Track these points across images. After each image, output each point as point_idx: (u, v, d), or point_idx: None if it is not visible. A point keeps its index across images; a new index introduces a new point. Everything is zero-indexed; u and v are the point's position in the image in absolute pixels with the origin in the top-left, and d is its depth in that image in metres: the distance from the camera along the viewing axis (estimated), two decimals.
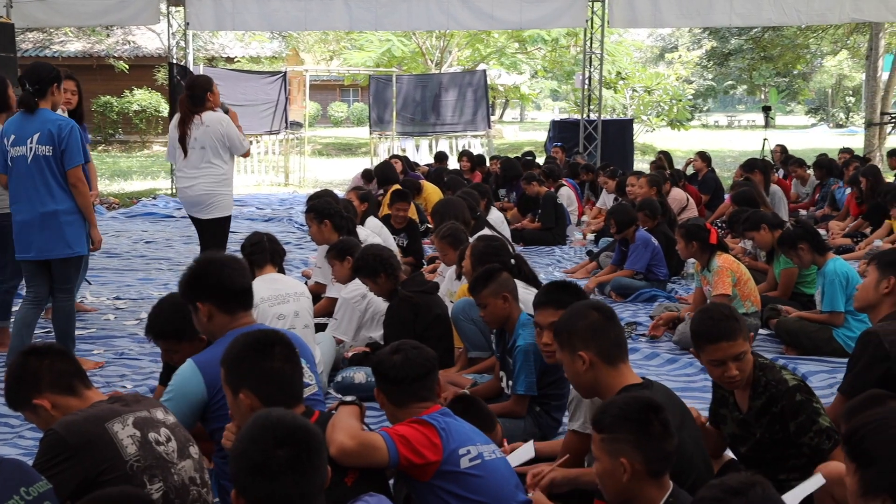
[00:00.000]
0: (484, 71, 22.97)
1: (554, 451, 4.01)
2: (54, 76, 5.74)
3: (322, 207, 6.91)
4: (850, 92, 49.54)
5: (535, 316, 4.25)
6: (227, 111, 7.46)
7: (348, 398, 3.34)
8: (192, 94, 7.32)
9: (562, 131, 18.44)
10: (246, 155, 7.88)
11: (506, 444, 4.14)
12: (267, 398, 2.96)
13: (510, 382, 4.70)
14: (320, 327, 6.16)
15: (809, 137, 37.33)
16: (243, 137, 7.45)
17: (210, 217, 7.42)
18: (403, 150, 19.34)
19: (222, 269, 3.66)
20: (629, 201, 9.75)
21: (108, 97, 30.43)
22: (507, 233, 9.00)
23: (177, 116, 7.42)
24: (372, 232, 7.76)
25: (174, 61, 16.98)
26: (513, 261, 5.65)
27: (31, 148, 5.56)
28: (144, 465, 2.58)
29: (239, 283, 3.68)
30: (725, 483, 2.30)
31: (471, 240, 6.32)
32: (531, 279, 5.68)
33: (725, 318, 3.62)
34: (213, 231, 7.46)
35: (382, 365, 3.44)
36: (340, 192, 10.22)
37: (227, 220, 7.58)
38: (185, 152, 7.28)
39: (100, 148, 30.02)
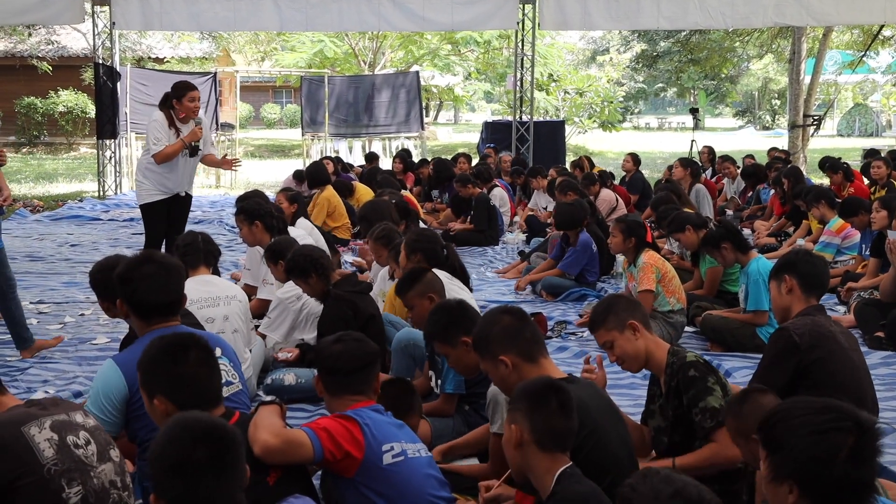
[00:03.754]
0: (417, 72, 22.97)
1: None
2: None
3: (252, 209, 6.87)
4: (776, 95, 50.65)
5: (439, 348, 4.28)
6: (198, 123, 7.79)
7: (268, 398, 3.33)
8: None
9: (494, 133, 18.55)
10: (156, 159, 7.67)
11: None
12: (182, 404, 2.92)
13: (439, 381, 4.71)
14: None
15: (737, 139, 38.06)
16: (153, 141, 7.64)
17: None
18: (336, 152, 19.23)
19: (140, 283, 3.60)
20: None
21: (31, 98, 29.68)
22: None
23: None
24: (304, 233, 7.72)
25: (100, 62, 16.64)
26: (444, 251, 5.74)
27: None
28: (62, 469, 2.53)
29: (153, 300, 3.61)
30: (634, 479, 2.42)
31: None
32: (460, 271, 5.76)
33: (601, 309, 3.87)
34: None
35: (322, 353, 3.49)
36: (272, 194, 10.12)
37: (143, 209, 7.97)
38: None
39: (24, 150, 29.25)
